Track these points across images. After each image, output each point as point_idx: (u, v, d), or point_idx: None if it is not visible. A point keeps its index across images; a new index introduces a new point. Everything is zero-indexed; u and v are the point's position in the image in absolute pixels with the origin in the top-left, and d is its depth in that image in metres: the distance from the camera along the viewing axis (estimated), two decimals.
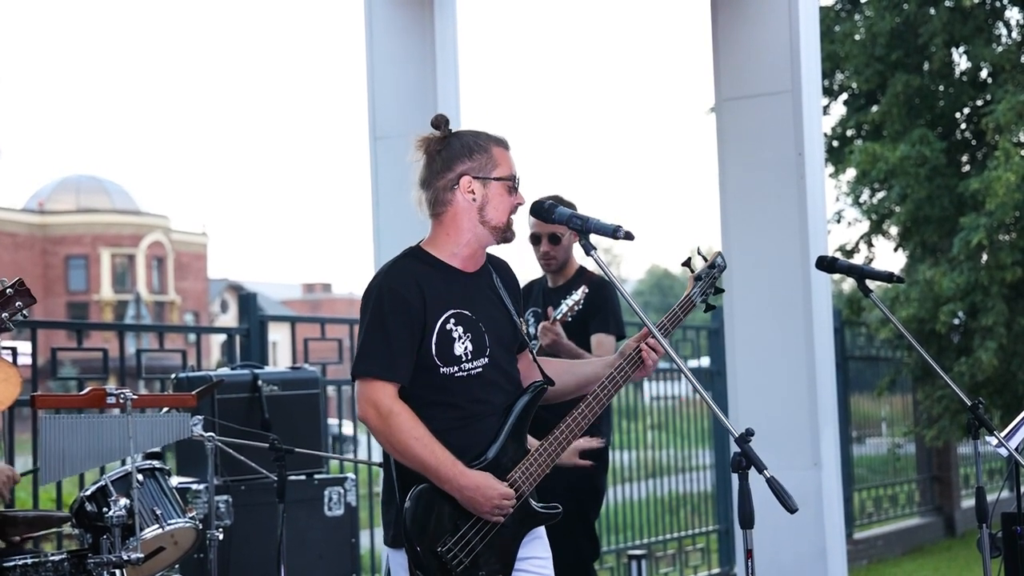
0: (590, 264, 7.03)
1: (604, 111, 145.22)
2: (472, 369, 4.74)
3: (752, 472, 4.55)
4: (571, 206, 5.41)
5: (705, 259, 5.32)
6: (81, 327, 11.27)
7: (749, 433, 4.64)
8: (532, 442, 4.91)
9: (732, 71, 8.61)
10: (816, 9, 8.91)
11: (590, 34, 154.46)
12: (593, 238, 4.94)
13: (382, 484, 5.04)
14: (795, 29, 8.46)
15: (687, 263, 5.30)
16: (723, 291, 5.46)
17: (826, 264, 6.33)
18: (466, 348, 4.74)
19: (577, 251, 7.26)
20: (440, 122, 4.93)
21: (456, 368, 4.71)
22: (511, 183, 4.85)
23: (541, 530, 4.91)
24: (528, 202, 5.06)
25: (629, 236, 4.85)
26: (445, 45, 9.33)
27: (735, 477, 4.64)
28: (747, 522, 4.61)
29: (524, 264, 7.61)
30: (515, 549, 4.78)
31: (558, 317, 6.73)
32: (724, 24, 8.61)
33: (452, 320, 4.73)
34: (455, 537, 4.66)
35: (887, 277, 6.72)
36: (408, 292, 4.71)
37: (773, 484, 4.48)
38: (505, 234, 4.87)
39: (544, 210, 5.02)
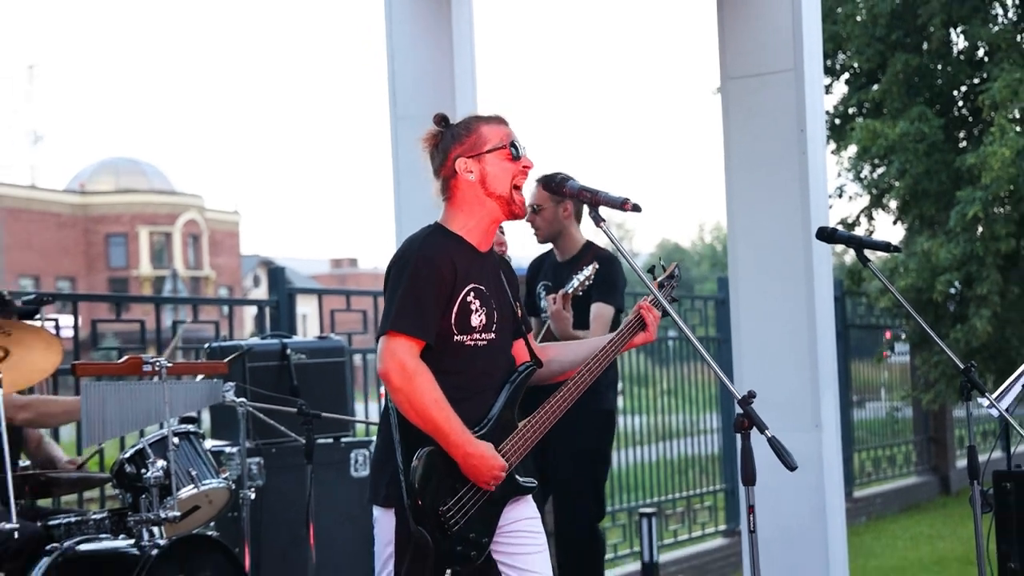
0: (601, 236, 7.00)
1: (615, 91, 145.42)
2: (480, 341, 4.77)
3: (755, 433, 4.55)
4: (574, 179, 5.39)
5: (664, 269, 5.35)
6: (120, 300, 11.33)
7: (751, 395, 4.67)
8: None
9: (736, 50, 8.58)
10: None
11: (601, 17, 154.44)
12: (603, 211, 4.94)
13: (375, 446, 5.00)
14: (797, 9, 8.42)
15: (651, 270, 5.31)
16: (677, 300, 5.47)
17: (826, 235, 6.32)
18: (480, 320, 4.76)
19: (587, 225, 7.27)
20: (439, 119, 5.00)
21: (467, 338, 4.74)
22: (508, 150, 4.85)
23: (527, 497, 4.93)
24: (538, 173, 5.06)
25: (637, 208, 4.86)
26: (461, 28, 9.32)
27: (739, 437, 4.65)
28: (749, 479, 4.64)
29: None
30: (498, 516, 4.80)
31: (568, 291, 6.71)
32: (729, 5, 8.57)
33: (472, 293, 4.76)
34: (453, 499, 4.68)
35: (885, 247, 6.70)
36: (442, 263, 4.73)
37: (774, 443, 4.50)
38: (511, 206, 4.86)
39: (554, 183, 5.06)
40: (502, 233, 6.59)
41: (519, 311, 5.02)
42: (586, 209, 5.29)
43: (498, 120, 4.94)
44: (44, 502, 7.05)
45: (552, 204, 7.23)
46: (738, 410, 4.67)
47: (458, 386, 4.70)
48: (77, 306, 10.05)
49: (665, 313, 5.19)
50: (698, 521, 14.42)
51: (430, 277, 4.70)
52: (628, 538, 12.87)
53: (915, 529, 16.33)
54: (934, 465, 19.52)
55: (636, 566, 11.99)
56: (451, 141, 4.89)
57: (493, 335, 4.82)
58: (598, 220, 4.92)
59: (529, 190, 5.03)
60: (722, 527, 14.33)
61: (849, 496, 17.03)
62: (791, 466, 4.49)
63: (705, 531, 14.25)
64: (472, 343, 4.76)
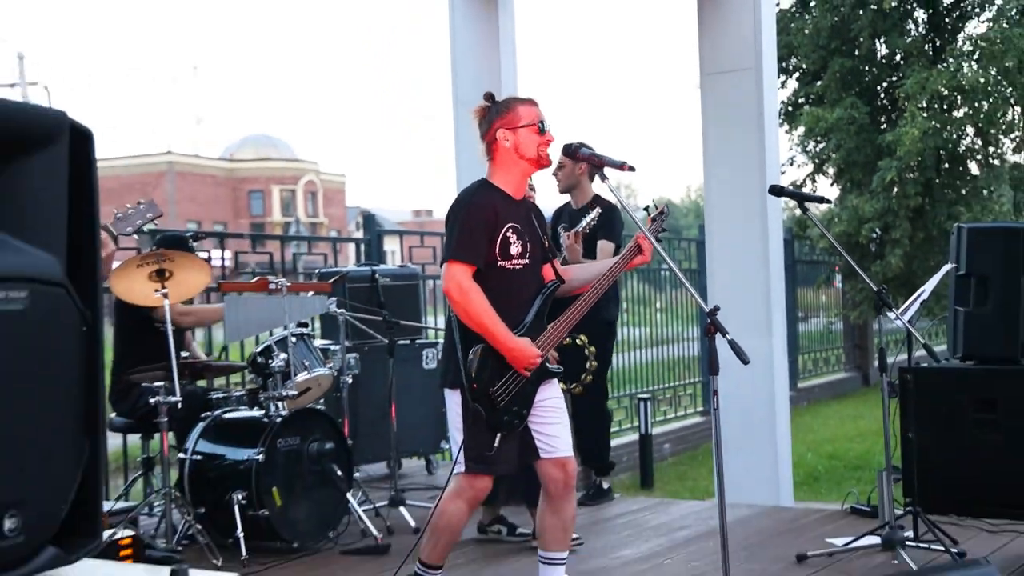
0: (605, 191, 7.04)
1: (624, 79, 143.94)
2: (517, 265, 4.76)
3: (720, 337, 4.60)
4: (589, 147, 5.42)
5: (656, 207, 5.37)
6: (255, 238, 11.41)
7: (716, 309, 4.67)
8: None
9: (711, 52, 8.59)
10: (773, 5, 8.90)
11: (616, 22, 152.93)
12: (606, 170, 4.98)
13: (442, 346, 5.07)
14: (758, 21, 8.44)
15: (646, 209, 5.34)
16: (665, 230, 5.48)
17: (776, 191, 6.35)
18: (517, 250, 4.75)
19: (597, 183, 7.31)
20: (488, 96, 4.98)
21: (508, 263, 4.73)
22: (536, 126, 4.83)
23: (554, 380, 4.93)
24: (559, 139, 5.09)
25: (632, 168, 4.84)
26: (506, 32, 9.38)
27: (707, 340, 4.71)
28: (714, 370, 4.65)
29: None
30: (534, 394, 4.79)
31: (579, 230, 6.77)
32: (706, 18, 8.59)
33: (510, 230, 4.75)
34: (500, 382, 4.69)
35: (820, 200, 6.78)
36: (487, 209, 4.74)
37: (732, 344, 4.52)
38: (539, 163, 4.87)
39: (571, 148, 5.10)
40: (532, 190, 6.66)
41: (547, 243, 4.99)
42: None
43: (531, 102, 4.92)
44: (200, 383, 7.17)
45: (570, 165, 7.29)
46: (707, 320, 4.73)
47: (502, 298, 4.69)
48: (224, 242, 10.24)
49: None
50: (681, 404, 14.56)
51: (479, 219, 4.71)
52: (629, 416, 12.94)
53: (843, 411, 16.49)
54: (858, 364, 20.03)
55: (635, 436, 12.11)
56: (494, 115, 4.86)
57: (527, 260, 4.80)
58: (603, 177, 4.92)
59: (553, 154, 5.05)
60: (699, 409, 14.53)
61: (794, 387, 17.09)
62: (745, 360, 4.50)
63: (686, 411, 14.44)
64: (511, 267, 4.75)
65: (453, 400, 4.78)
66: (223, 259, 9.99)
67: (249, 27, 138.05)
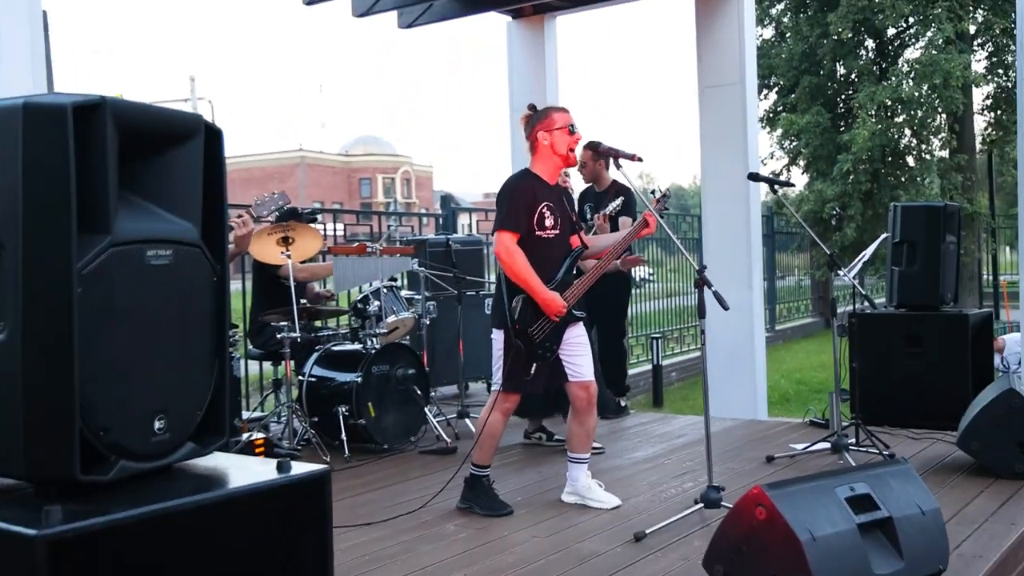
0: (621, 176, 6.94)
1: (646, 87, 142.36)
2: (550, 234, 4.72)
3: (706, 289, 4.55)
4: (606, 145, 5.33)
5: (660, 190, 5.31)
6: (358, 213, 11.44)
7: (704, 267, 4.66)
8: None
9: (707, 69, 8.48)
10: (753, 32, 8.77)
11: (640, 41, 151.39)
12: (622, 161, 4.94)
13: (493, 296, 5.03)
14: (742, 44, 8.35)
15: (653, 192, 5.27)
16: (668, 209, 5.40)
17: (753, 177, 6.28)
18: (551, 223, 4.72)
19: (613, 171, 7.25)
20: (531, 107, 4.94)
21: (544, 232, 4.70)
22: (568, 129, 4.78)
23: (579, 322, 4.88)
24: (586, 136, 5.03)
25: (640, 159, 4.82)
26: (550, 54, 9.39)
27: (698, 291, 4.67)
28: (702, 313, 4.62)
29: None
30: (563, 333, 4.77)
31: (606, 213, 6.67)
32: (703, 40, 8.49)
33: (545, 208, 4.71)
34: (536, 324, 4.68)
35: (786, 184, 6.70)
36: (528, 190, 4.71)
37: (716, 294, 4.48)
38: (568, 159, 4.82)
39: (594, 146, 5.05)
40: (567, 176, 6.60)
41: (574, 218, 4.94)
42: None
43: (563, 110, 4.86)
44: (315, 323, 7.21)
45: (592, 158, 7.22)
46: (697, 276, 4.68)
47: (538, 260, 4.66)
48: (338, 217, 10.27)
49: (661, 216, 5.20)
50: (685, 342, 14.47)
51: (521, 198, 4.69)
52: (645, 351, 12.91)
53: (809, 347, 16.36)
54: (821, 311, 19.80)
55: (649, 367, 12.09)
56: (536, 120, 4.83)
57: (558, 231, 4.75)
58: (618, 166, 4.90)
59: (579, 150, 4.97)
60: (699, 346, 14.29)
61: (772, 328, 16.97)
62: (725, 307, 4.45)
63: (689, 348, 14.31)
64: (546, 235, 4.71)
65: (497, 337, 4.78)
66: (335, 230, 10.01)
67: (361, 54, 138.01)
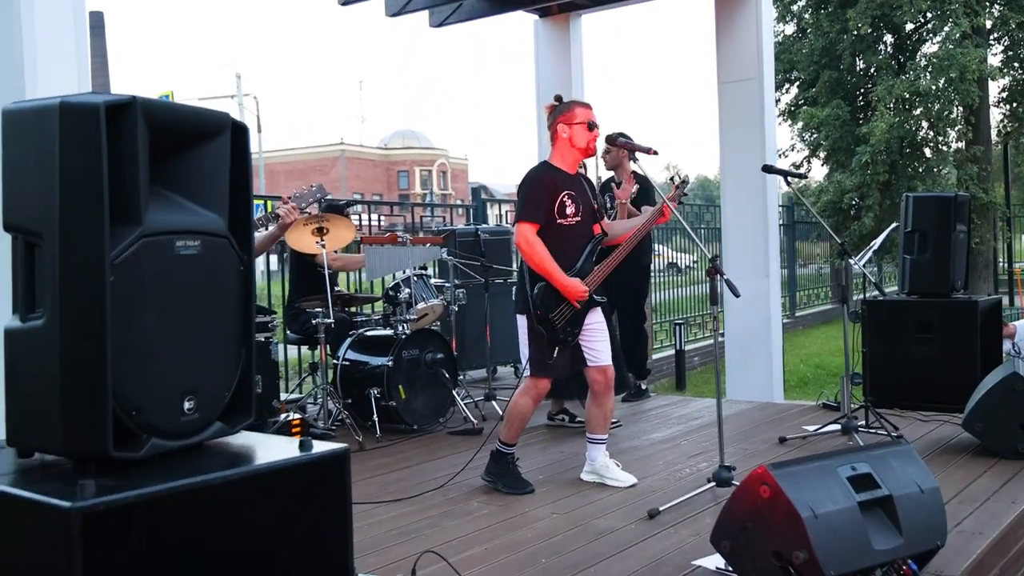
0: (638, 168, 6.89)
1: (674, 82, 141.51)
2: (571, 221, 4.70)
3: (718, 277, 4.53)
4: (627, 136, 5.31)
5: (680, 177, 5.28)
6: (391, 204, 11.48)
7: (716, 256, 4.64)
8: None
9: (726, 65, 8.42)
10: (771, 29, 8.70)
11: (664, 38, 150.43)
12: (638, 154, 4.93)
13: (516, 283, 5.03)
14: (759, 41, 8.28)
15: (672, 179, 5.24)
16: (687, 194, 5.36)
17: (767, 169, 6.25)
18: (571, 211, 4.69)
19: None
20: (556, 98, 4.92)
21: (564, 220, 4.68)
22: (587, 125, 4.76)
23: (599, 307, 4.84)
24: (609, 128, 5.01)
25: (655, 152, 4.81)
26: (575, 52, 9.35)
27: (709, 279, 4.66)
28: (714, 300, 4.62)
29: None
30: (583, 319, 4.74)
31: (623, 203, 6.62)
32: (722, 38, 8.43)
33: (566, 196, 4.69)
34: (557, 309, 4.67)
35: (798, 175, 6.64)
36: (547, 181, 4.70)
37: (728, 282, 4.47)
38: (586, 152, 4.80)
39: (612, 138, 5.01)
40: (583, 166, 6.51)
41: (595, 206, 4.89)
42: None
43: (586, 105, 4.84)
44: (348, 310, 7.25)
45: (613, 150, 7.18)
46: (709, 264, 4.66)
47: (559, 246, 4.65)
48: (371, 207, 10.28)
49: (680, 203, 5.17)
50: (707, 328, 14.33)
51: (540, 190, 4.67)
52: (669, 336, 12.89)
53: (828, 333, 16.18)
54: (840, 298, 19.43)
55: (672, 351, 12.06)
56: (558, 112, 4.80)
57: (579, 218, 4.71)
58: (634, 159, 4.89)
59: (600, 142, 4.95)
60: (720, 331, 14.27)
61: (793, 315, 16.88)
62: (737, 294, 4.43)
63: (710, 334, 14.06)
64: (567, 223, 4.68)
65: (522, 323, 4.78)
66: (370, 220, 10.04)
67: (396, 52, 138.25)
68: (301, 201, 5.84)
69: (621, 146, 5.01)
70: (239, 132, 2.42)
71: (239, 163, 2.42)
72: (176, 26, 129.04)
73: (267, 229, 5.73)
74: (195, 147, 2.33)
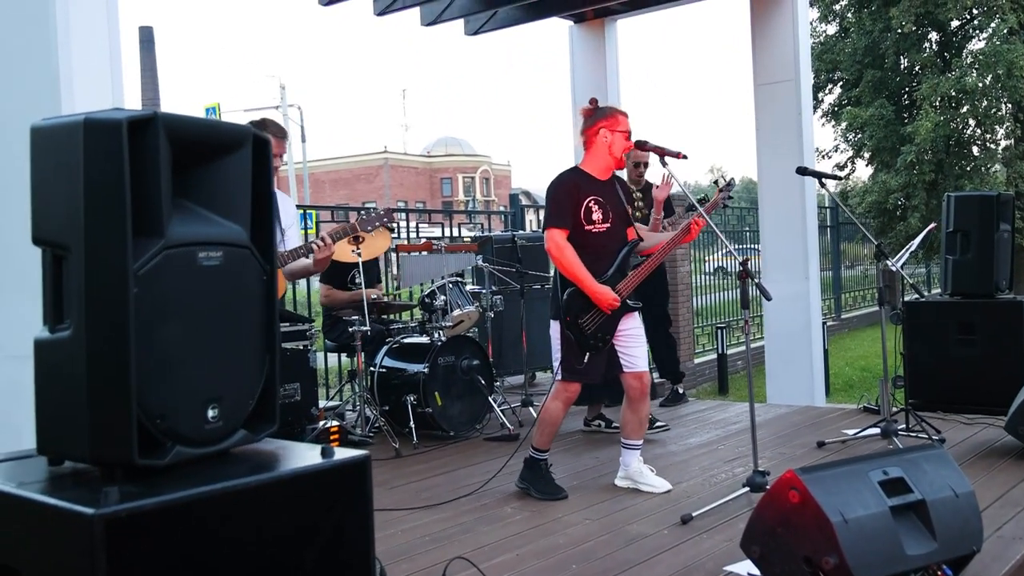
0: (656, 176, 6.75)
1: (710, 86, 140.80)
2: (599, 228, 4.70)
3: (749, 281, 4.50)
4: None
5: (725, 179, 5.25)
6: (428, 212, 11.51)
7: (746, 260, 4.64)
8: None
9: (762, 67, 8.41)
10: (808, 30, 8.65)
11: (698, 41, 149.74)
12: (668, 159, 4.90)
13: (551, 288, 5.03)
14: (795, 43, 8.26)
15: (716, 183, 5.23)
16: (732, 198, 5.34)
17: (800, 171, 6.21)
18: (598, 216, 4.69)
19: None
20: (593, 100, 4.92)
21: (592, 227, 4.68)
22: (626, 134, 4.79)
23: (635, 313, 4.85)
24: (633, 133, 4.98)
25: (685, 157, 4.75)
26: (610, 55, 9.37)
27: (740, 282, 4.64)
28: (745, 304, 4.61)
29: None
30: (615, 325, 4.74)
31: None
32: (758, 42, 8.41)
33: (592, 202, 4.69)
34: (588, 315, 4.68)
35: (834, 176, 6.58)
36: (571, 187, 4.70)
37: (759, 285, 4.49)
38: (619, 163, 4.80)
39: (641, 144, 4.99)
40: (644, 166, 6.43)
41: (629, 211, 4.86)
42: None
43: (625, 114, 4.84)
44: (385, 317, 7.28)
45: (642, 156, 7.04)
46: (740, 268, 4.63)
47: (589, 253, 4.65)
48: (408, 216, 10.30)
49: (719, 207, 5.13)
50: (750, 332, 14.29)
51: (565, 195, 4.67)
52: (711, 340, 12.82)
53: (874, 335, 15.92)
54: (885, 300, 19.21)
55: (714, 355, 12.00)
56: (599, 116, 4.78)
57: (608, 224, 4.69)
58: (664, 163, 4.84)
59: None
60: (762, 335, 14.12)
61: (838, 317, 16.70)
62: (768, 298, 4.44)
63: (753, 337, 14.01)
64: (596, 230, 4.68)
65: (554, 328, 4.79)
66: (407, 230, 10.06)
67: (437, 62, 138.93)
68: (366, 224, 5.72)
69: (651, 150, 4.99)
70: (260, 144, 2.46)
71: (261, 174, 2.46)
72: (222, 40, 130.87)
73: (306, 257, 5.65)
74: (217, 160, 2.37)
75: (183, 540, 2.03)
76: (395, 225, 8.90)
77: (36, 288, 2.30)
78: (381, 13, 8.80)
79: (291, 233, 5.29)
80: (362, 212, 5.99)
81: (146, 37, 34.25)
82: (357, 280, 6.51)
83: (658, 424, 6.33)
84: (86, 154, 2.11)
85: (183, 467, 2.19)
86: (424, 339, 6.44)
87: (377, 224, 5.88)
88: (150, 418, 2.13)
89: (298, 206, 6.95)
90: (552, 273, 4.98)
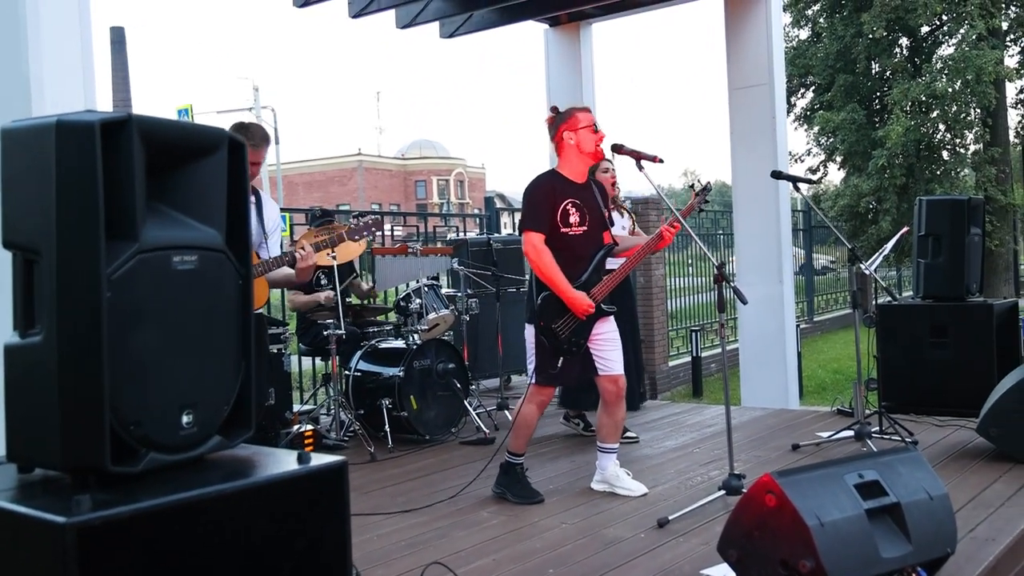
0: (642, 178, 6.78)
1: (684, 90, 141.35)
2: (575, 231, 4.68)
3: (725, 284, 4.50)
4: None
5: (700, 183, 5.25)
6: (404, 215, 11.48)
7: (722, 264, 4.63)
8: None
9: (736, 71, 8.44)
10: (781, 35, 8.69)
11: (671, 47, 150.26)
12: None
13: (527, 292, 5.02)
14: (770, 47, 8.31)
15: (692, 187, 5.22)
16: (708, 202, 5.34)
17: (775, 175, 6.23)
18: (575, 219, 4.68)
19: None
20: (553, 110, 4.90)
21: (568, 229, 4.67)
22: (592, 128, 4.74)
23: (610, 316, 4.82)
24: (608, 136, 4.96)
25: (661, 161, 4.74)
26: (585, 58, 9.39)
27: (717, 287, 4.64)
28: (721, 308, 4.63)
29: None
30: (590, 329, 4.72)
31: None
32: (731, 45, 8.45)
33: (570, 204, 4.68)
34: (562, 319, 4.66)
35: (808, 180, 6.61)
36: (548, 189, 4.68)
37: (735, 289, 4.49)
38: (596, 156, 4.77)
39: (618, 147, 4.97)
40: (610, 169, 6.42)
41: (606, 215, 4.85)
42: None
43: (586, 109, 4.83)
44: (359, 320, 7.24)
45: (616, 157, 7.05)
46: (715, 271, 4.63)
47: (565, 256, 4.63)
48: (383, 218, 10.24)
49: (695, 212, 5.12)
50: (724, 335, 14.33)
51: (542, 198, 4.66)
52: (685, 343, 12.84)
53: (846, 338, 15.99)
54: (859, 303, 19.34)
55: (688, 358, 12.03)
56: (560, 121, 4.77)
57: (585, 227, 4.68)
58: (640, 168, 4.83)
59: (605, 147, 4.91)
60: (736, 339, 14.16)
61: (811, 320, 16.77)
62: (744, 301, 4.43)
63: (727, 340, 14.16)
64: (572, 232, 4.66)
65: (529, 332, 4.78)
66: (382, 231, 10.03)
67: (412, 65, 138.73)
68: (354, 234, 5.69)
69: (627, 154, 4.99)
70: (236, 148, 2.43)
71: (236, 178, 2.43)
72: (195, 41, 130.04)
73: (290, 267, 5.58)
74: (192, 163, 2.34)
75: (157, 548, 2.00)
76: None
77: (6, 292, 2.27)
78: (356, 15, 8.77)
79: (274, 240, 5.22)
80: (351, 220, 5.90)
81: (117, 37, 34.00)
82: (323, 282, 6.49)
83: (628, 435, 6.31)
84: (58, 157, 2.08)
85: (157, 474, 2.16)
86: (399, 343, 6.42)
87: (366, 234, 5.84)
88: (123, 424, 2.09)
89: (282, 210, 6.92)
90: (528, 276, 4.96)
